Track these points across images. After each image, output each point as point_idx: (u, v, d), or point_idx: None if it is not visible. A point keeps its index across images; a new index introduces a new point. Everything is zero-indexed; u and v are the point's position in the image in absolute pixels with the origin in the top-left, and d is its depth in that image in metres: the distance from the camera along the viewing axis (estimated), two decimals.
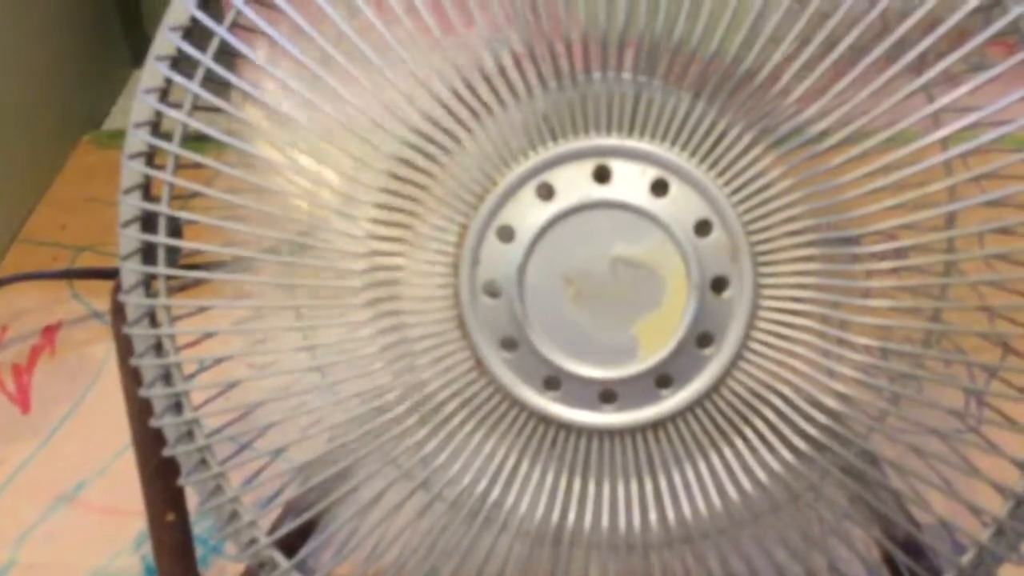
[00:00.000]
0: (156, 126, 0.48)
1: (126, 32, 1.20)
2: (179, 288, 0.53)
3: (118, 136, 1.06)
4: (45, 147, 1.03)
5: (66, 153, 1.06)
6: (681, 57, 0.42)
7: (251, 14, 0.45)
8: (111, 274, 0.87)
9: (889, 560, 0.52)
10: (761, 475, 0.45)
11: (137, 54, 1.21)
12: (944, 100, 0.43)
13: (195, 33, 0.47)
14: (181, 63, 0.47)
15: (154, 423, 0.53)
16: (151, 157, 0.49)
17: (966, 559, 0.50)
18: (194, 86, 0.46)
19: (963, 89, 0.43)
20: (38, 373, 0.82)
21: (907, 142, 0.43)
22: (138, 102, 0.48)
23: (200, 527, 0.63)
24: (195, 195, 0.49)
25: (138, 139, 0.48)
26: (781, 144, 0.43)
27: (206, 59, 0.46)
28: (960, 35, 0.44)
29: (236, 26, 0.45)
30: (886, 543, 0.49)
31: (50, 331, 0.86)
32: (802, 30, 0.43)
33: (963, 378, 0.46)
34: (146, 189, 0.50)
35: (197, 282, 0.52)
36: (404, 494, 0.48)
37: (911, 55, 0.42)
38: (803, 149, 0.43)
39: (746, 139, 0.43)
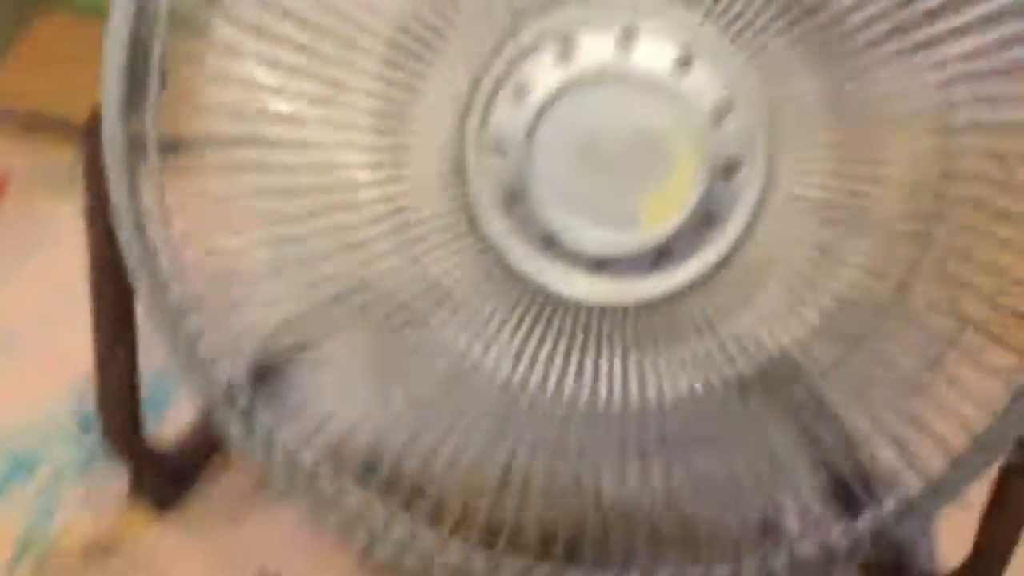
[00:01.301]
0: None
1: None
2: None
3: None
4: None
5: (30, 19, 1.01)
6: None
7: None
8: (73, 127, 0.84)
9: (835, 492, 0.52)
10: (746, 365, 0.45)
11: None
12: None
13: None
14: None
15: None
16: None
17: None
18: None
19: None
20: None
21: None
22: None
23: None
24: None
25: None
26: (808, 17, 0.42)
27: None
28: None
29: None
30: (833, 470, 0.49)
31: (2, 177, 0.82)
32: None
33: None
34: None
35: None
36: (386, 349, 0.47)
37: None
38: (827, 27, 0.42)
39: (780, 23, 0.42)
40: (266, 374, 0.52)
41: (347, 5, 0.43)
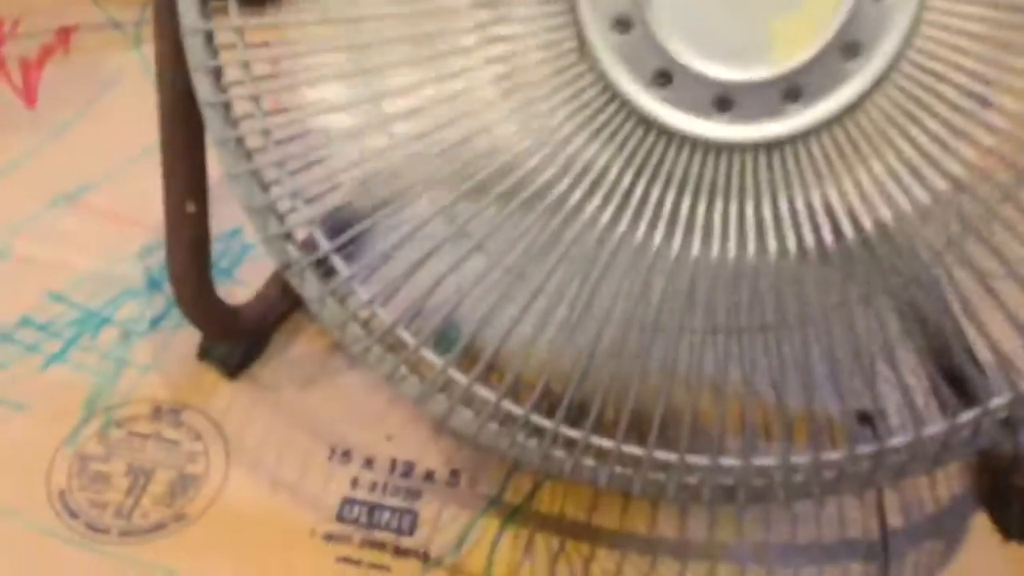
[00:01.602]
0: None
1: None
2: None
3: None
4: None
5: None
6: None
7: None
8: None
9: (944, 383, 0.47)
10: (855, 231, 0.40)
11: None
12: None
13: None
14: None
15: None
16: None
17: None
18: None
19: None
20: (48, 72, 0.75)
21: None
22: None
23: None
24: None
25: None
26: None
27: None
28: None
29: None
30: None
31: (65, 32, 0.78)
32: None
33: None
34: None
35: None
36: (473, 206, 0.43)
37: None
38: None
39: None
40: (344, 230, 0.48)
41: None
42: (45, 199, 0.66)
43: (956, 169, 0.38)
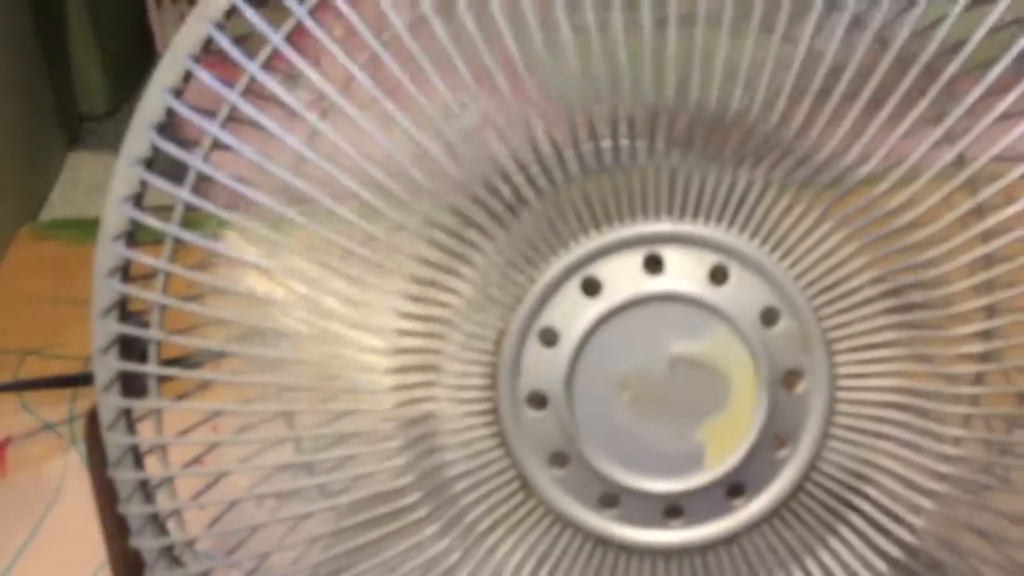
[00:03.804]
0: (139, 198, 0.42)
1: (59, 113, 1.13)
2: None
3: (59, 226, 0.99)
4: None
5: (2, 249, 0.98)
6: (736, 131, 0.38)
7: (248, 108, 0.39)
8: (66, 382, 0.81)
9: None
10: None
11: (72, 135, 1.14)
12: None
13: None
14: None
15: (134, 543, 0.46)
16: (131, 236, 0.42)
17: None
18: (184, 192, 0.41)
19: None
20: None
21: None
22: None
23: None
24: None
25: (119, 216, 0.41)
26: (851, 221, 0.39)
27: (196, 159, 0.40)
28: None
29: (231, 120, 0.40)
30: None
31: (0, 448, 0.78)
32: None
33: None
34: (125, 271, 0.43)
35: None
36: None
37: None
38: (873, 224, 0.39)
39: (812, 215, 0.39)
40: None
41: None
42: None
43: (907, 536, 0.39)
